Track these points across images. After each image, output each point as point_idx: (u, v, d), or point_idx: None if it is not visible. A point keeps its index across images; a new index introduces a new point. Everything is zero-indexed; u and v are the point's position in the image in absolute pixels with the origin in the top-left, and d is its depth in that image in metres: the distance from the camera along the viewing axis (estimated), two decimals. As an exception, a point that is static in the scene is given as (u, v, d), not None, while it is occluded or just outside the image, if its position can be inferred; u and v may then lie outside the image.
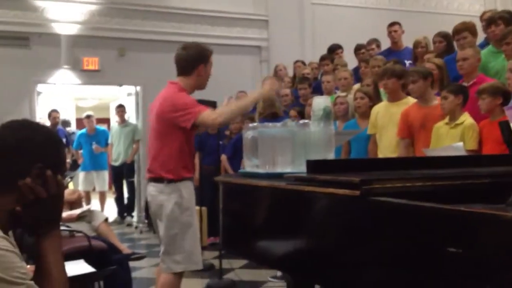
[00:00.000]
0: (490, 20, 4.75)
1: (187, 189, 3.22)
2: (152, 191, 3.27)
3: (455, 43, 5.10)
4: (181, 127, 3.12)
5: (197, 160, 6.70)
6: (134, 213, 8.95)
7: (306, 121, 2.43)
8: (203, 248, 5.66)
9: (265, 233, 2.13)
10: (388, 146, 4.41)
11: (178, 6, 9.07)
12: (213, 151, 6.37)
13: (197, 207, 5.22)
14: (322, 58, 7.04)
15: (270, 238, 2.09)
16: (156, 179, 3.23)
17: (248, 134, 2.53)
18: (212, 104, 6.96)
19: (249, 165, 2.49)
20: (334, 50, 7.29)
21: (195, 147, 6.37)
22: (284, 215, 1.99)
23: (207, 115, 3.08)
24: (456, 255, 1.25)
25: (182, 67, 3.27)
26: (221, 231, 2.58)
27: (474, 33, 4.84)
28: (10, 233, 1.40)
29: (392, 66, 4.65)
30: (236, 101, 3.45)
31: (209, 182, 5.76)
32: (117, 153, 8.72)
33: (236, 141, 6.12)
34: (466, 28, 4.84)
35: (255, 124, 2.67)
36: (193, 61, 3.25)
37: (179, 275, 3.26)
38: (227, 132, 6.81)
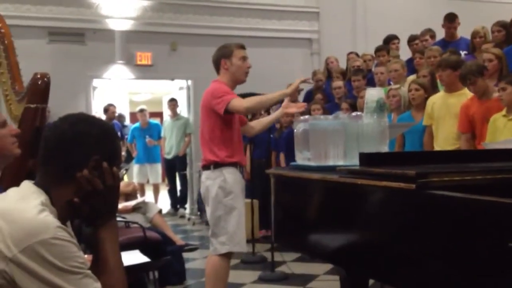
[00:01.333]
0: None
1: (231, 175, 3.46)
2: (202, 179, 3.57)
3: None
4: (218, 114, 3.40)
5: (248, 153, 6.73)
6: (187, 205, 9.09)
7: (358, 113, 2.39)
8: (256, 240, 5.69)
9: (318, 226, 2.11)
10: (445, 138, 4.29)
11: (229, 0, 9.12)
12: (264, 144, 6.37)
13: (249, 200, 5.30)
14: (378, 49, 6.88)
15: (323, 231, 2.08)
16: (205, 167, 3.52)
17: (299, 127, 2.51)
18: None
19: (300, 158, 2.47)
20: (390, 40, 7.11)
21: (246, 140, 6.44)
22: (336, 208, 1.97)
23: (237, 101, 3.38)
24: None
25: (214, 67, 3.63)
26: (273, 224, 2.58)
27: None
28: (68, 223, 1.44)
29: (447, 57, 4.54)
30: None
31: (260, 175, 5.77)
32: (169, 146, 8.86)
33: (288, 135, 6.10)
34: None
35: (306, 116, 2.64)
36: (216, 59, 3.58)
37: (226, 258, 3.44)
38: (278, 125, 6.79)
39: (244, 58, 3.55)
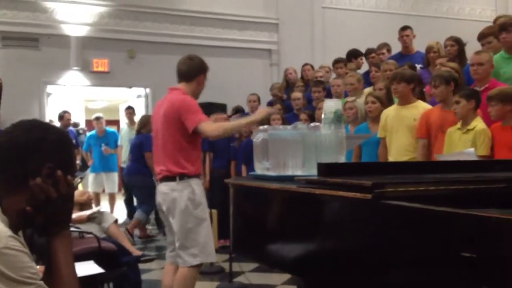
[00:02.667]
0: (502, 26, 4.72)
1: (198, 186, 3.48)
2: (164, 190, 3.47)
3: (466, 49, 5.07)
4: (186, 128, 3.40)
5: (207, 162, 6.70)
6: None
7: (317, 124, 2.41)
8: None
9: (276, 236, 2.11)
10: (398, 149, 4.40)
11: (190, 9, 9.10)
12: (224, 154, 6.36)
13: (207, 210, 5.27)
14: (336, 62, 7.02)
15: (282, 241, 2.08)
16: (168, 178, 3.45)
17: (258, 137, 2.52)
18: (223, 107, 7.00)
19: (259, 167, 2.48)
20: (357, 55, 7.21)
21: (205, 148, 6.40)
22: (295, 218, 1.98)
23: (208, 126, 3.39)
24: (470, 259, 1.23)
25: (186, 73, 3.59)
26: (231, 234, 2.56)
27: (498, 38, 4.80)
28: (20, 233, 1.40)
29: (402, 71, 4.65)
30: (237, 119, 3.79)
31: (219, 184, 5.75)
32: (126, 155, 8.73)
33: (246, 144, 6.10)
34: (491, 33, 4.82)
35: (265, 126, 2.66)
36: (197, 70, 3.59)
37: (196, 268, 3.45)
38: (237, 135, 6.80)
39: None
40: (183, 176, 3.41)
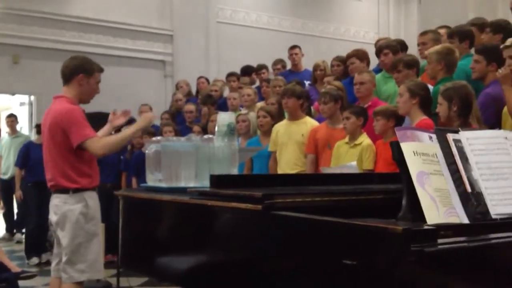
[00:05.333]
0: (379, 49, 5.10)
1: (92, 199, 3.33)
2: (56, 202, 3.31)
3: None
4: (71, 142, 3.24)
5: (95, 175, 6.47)
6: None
7: (210, 136, 2.44)
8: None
9: (168, 248, 2.10)
10: (287, 163, 4.56)
11: (80, 15, 8.80)
12: (111, 166, 6.19)
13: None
14: (229, 75, 7.14)
15: (173, 253, 2.07)
16: (61, 190, 3.29)
17: (151, 148, 2.50)
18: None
19: (151, 179, 2.46)
20: (250, 72, 7.35)
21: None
22: (187, 230, 1.98)
23: (95, 143, 3.22)
24: (351, 267, 1.31)
25: (64, 75, 3.37)
26: (120, 247, 2.50)
27: (362, 59, 5.17)
28: None
29: (293, 87, 4.83)
30: (121, 132, 3.56)
31: (108, 197, 5.58)
32: (6, 166, 8.20)
33: (137, 157, 5.99)
34: (354, 55, 5.20)
35: (158, 138, 2.64)
36: (74, 69, 3.35)
37: (81, 285, 3.30)
38: (129, 147, 6.66)
39: (98, 83, 3.45)
40: (76, 189, 3.26)
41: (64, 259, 3.27)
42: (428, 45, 4.43)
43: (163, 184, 2.35)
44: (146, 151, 2.54)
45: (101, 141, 3.28)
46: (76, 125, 3.20)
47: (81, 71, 3.33)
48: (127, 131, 3.44)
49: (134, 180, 6.24)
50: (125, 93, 8.37)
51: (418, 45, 4.74)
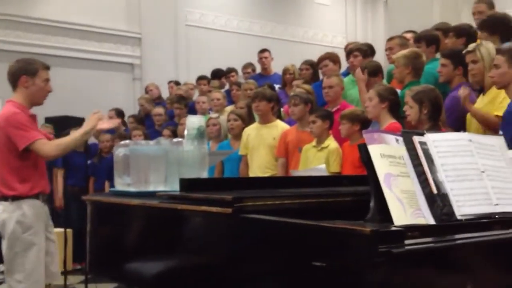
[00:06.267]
0: (349, 51, 5.16)
1: (31, 208, 3.20)
2: None
3: (320, 71, 5.44)
4: (16, 146, 3.16)
5: (60, 179, 6.36)
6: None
7: (180, 139, 2.43)
8: (68, 272, 5.35)
9: (137, 253, 2.08)
10: (259, 166, 4.57)
11: (43, 17, 8.62)
12: (79, 170, 6.10)
13: (61, 230, 4.99)
14: (199, 78, 7.12)
15: (143, 258, 2.05)
16: (1, 198, 3.21)
17: (119, 152, 2.47)
18: (81, 121, 6.71)
19: (120, 183, 2.43)
20: (219, 75, 7.35)
21: (58, 165, 6.07)
22: (157, 234, 1.97)
23: (44, 145, 3.16)
24: (320, 268, 1.32)
25: (10, 80, 3.31)
26: (88, 253, 2.47)
27: (335, 61, 5.23)
28: None
29: (264, 90, 4.86)
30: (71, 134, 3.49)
31: (76, 202, 5.50)
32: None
33: (110, 161, 5.92)
34: (327, 57, 5.25)
35: (127, 141, 2.61)
36: (16, 72, 3.27)
37: None
38: (98, 150, 6.58)
39: (47, 81, 3.32)
40: (15, 197, 3.16)
41: (4, 269, 3.23)
42: (395, 50, 4.50)
43: (132, 189, 2.32)
44: (114, 155, 2.51)
45: (51, 143, 3.24)
46: (20, 128, 3.13)
47: (23, 73, 3.25)
48: (76, 134, 3.37)
49: (107, 184, 6.15)
50: (93, 96, 8.24)
51: (386, 50, 4.83)
